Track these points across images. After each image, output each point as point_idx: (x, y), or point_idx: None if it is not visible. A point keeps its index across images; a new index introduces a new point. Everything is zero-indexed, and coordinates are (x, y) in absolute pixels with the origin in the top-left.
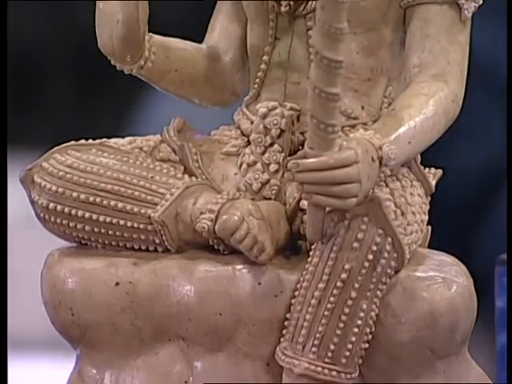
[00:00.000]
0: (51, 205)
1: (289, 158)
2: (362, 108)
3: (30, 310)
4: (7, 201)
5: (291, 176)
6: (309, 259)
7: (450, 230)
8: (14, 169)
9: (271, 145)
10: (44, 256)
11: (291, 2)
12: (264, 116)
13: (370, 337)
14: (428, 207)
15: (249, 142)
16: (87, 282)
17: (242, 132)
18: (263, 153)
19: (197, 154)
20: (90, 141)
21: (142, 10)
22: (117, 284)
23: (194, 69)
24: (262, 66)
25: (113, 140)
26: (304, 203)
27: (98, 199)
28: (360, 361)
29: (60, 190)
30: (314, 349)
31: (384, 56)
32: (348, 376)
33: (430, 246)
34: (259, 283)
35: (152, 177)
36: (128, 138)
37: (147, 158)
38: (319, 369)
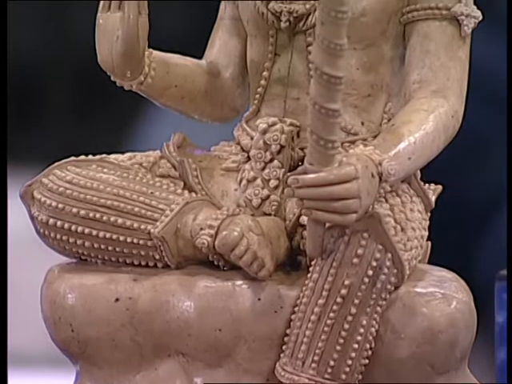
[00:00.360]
0: (51, 220)
1: (289, 174)
2: (362, 124)
3: (30, 325)
4: (7, 217)
5: (291, 192)
6: (309, 275)
7: (449, 245)
8: (14, 184)
9: (271, 160)
10: (44, 272)
11: (291, 18)
12: (264, 132)
13: (370, 352)
14: (428, 223)
15: (249, 158)
16: (87, 298)
17: (241, 148)
18: (263, 168)
19: (196, 170)
20: (90, 156)
21: (142, 26)
22: (117, 300)
23: (194, 85)
24: (262, 82)
25: (113, 156)
26: (304, 219)
27: (97, 215)
28: (360, 376)
29: (60, 205)
30: (313, 365)
31: (384, 72)
32: None
33: (429, 262)
34: (259, 299)
35: (152, 192)
36: (128, 154)
37: (147, 173)
38: None
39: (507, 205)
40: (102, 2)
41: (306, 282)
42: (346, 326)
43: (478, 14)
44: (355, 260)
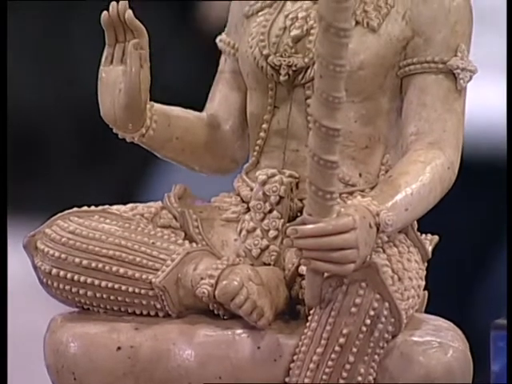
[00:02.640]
0: (54, 270)
1: (288, 225)
2: (360, 175)
3: (34, 373)
4: (7, 266)
5: (290, 242)
6: (307, 324)
7: (446, 295)
8: (17, 235)
9: (270, 211)
10: (47, 321)
11: (290, 72)
12: (263, 183)
13: None
14: (425, 273)
15: (248, 209)
16: (89, 347)
17: (241, 199)
18: (262, 219)
19: (197, 221)
20: (93, 207)
21: (144, 80)
22: (118, 348)
23: (195, 137)
24: (262, 134)
25: (115, 207)
26: (303, 269)
27: (100, 265)
28: None
29: (63, 255)
30: None
31: (381, 124)
32: None
33: (426, 311)
34: (258, 347)
35: (153, 243)
36: (130, 205)
37: (148, 224)
38: None
39: (507, 252)
40: (104, 55)
41: (305, 330)
42: (345, 375)
43: (474, 67)
44: (353, 309)
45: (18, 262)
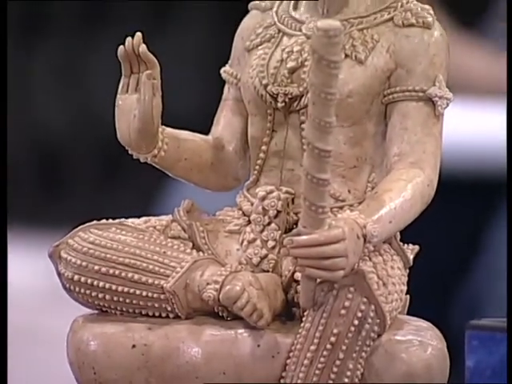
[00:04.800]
0: (76, 277)
1: (284, 236)
2: (349, 192)
3: (58, 368)
4: (7, 267)
5: (287, 251)
6: (302, 324)
7: (425, 299)
8: (44, 245)
9: (269, 224)
10: (69, 322)
11: (286, 99)
12: (263, 198)
13: None
14: (406, 279)
15: (249, 222)
16: (107, 345)
17: (243, 212)
18: (262, 231)
19: (204, 232)
20: (110, 220)
21: (156, 106)
22: (133, 346)
23: (202, 158)
24: (261, 155)
25: (130, 220)
26: (298, 275)
27: (117, 272)
28: None
29: (84, 263)
30: None
31: (368, 146)
32: None
33: (408, 313)
34: (258, 345)
35: (164, 252)
36: (143, 218)
37: (160, 235)
38: None
39: (507, 252)
40: (121, 85)
41: (300, 330)
42: (335, 370)
43: (450, 95)
44: (343, 311)
45: (45, 270)
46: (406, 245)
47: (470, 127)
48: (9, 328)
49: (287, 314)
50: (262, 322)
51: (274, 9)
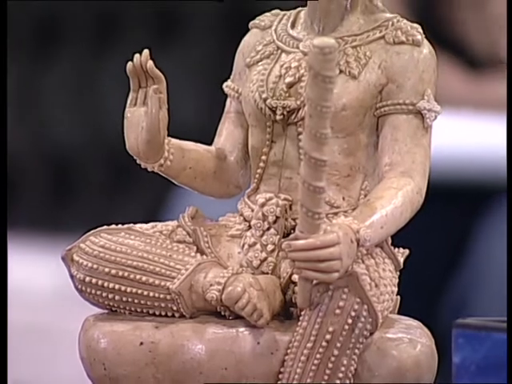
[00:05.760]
0: (87, 278)
1: (283, 240)
2: (343, 199)
3: (70, 365)
4: (7, 269)
5: (285, 254)
6: (299, 323)
7: (415, 299)
8: (58, 249)
9: (268, 229)
10: (81, 321)
11: (285, 112)
12: (262, 205)
13: None
14: (397, 280)
15: (250, 227)
16: (117, 342)
17: (244, 218)
18: (262, 235)
19: (207, 237)
20: (119, 226)
21: (163, 119)
22: (141, 344)
23: (205, 167)
24: (261, 164)
25: (138, 225)
26: (295, 277)
27: (125, 273)
28: None
29: (94, 266)
30: None
31: (361, 156)
32: None
33: (398, 313)
34: (258, 343)
35: (170, 255)
36: (150, 224)
37: (166, 239)
38: None
39: (507, 252)
40: (129, 99)
41: (297, 328)
42: (330, 365)
43: (438, 108)
44: (337, 311)
45: (59, 272)
46: (396, 248)
47: (451, 135)
48: (23, 327)
49: (285, 313)
50: (262, 321)
51: (273, 27)
